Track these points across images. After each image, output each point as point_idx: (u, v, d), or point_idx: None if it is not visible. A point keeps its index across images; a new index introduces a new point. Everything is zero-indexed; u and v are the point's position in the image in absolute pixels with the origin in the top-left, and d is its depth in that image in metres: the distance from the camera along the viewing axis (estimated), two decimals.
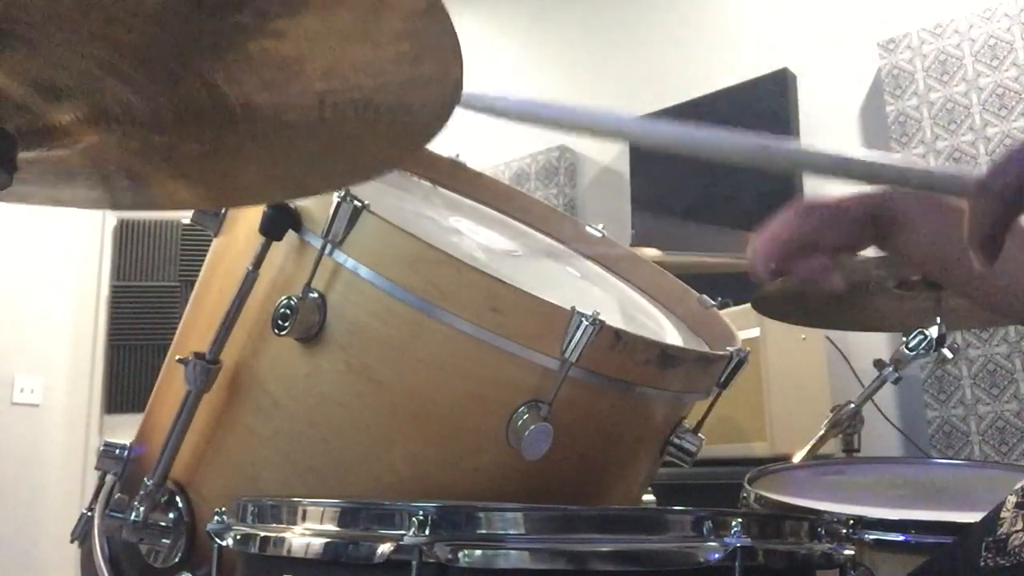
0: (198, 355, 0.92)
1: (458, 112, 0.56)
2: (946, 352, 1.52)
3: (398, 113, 0.57)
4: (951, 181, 0.61)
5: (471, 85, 0.55)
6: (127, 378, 3.73)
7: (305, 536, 0.72)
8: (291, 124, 0.57)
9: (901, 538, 1.02)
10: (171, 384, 1.04)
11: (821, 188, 2.88)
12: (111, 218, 3.83)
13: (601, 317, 0.83)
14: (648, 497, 1.23)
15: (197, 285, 1.11)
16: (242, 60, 0.50)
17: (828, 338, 2.42)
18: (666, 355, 0.94)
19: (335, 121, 0.56)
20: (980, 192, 0.53)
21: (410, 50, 0.51)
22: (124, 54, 0.49)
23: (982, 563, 0.66)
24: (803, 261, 0.83)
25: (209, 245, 1.10)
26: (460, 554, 0.64)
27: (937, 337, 1.50)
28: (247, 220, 0.98)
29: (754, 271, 0.84)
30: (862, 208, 0.83)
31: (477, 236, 1.19)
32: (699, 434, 1.08)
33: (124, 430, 1.15)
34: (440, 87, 0.55)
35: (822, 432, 1.58)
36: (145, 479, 0.95)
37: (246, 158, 0.63)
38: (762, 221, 0.85)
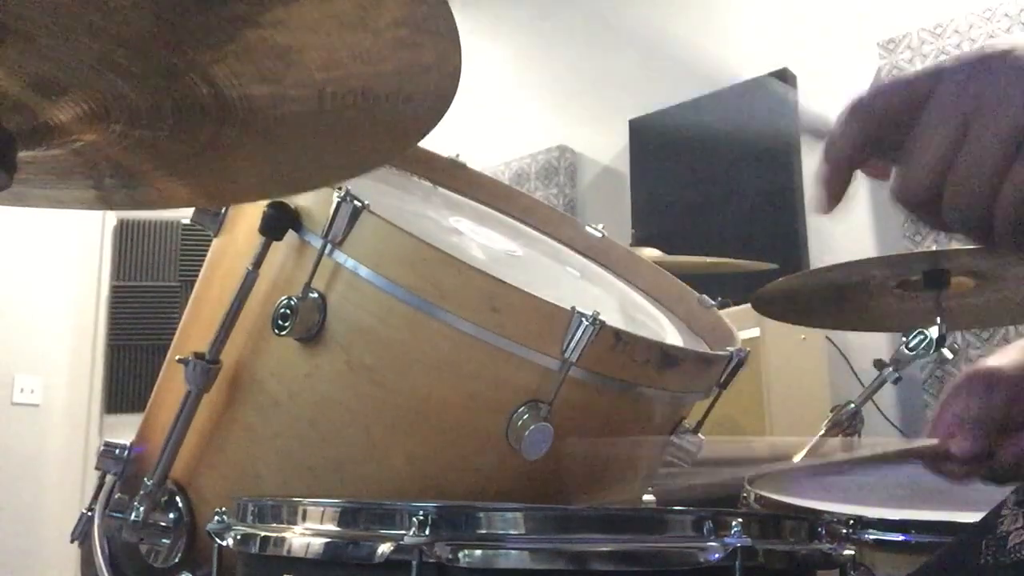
0: (198, 355, 0.92)
1: (456, 108, 0.56)
2: (946, 352, 1.52)
3: (397, 102, 0.57)
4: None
5: (471, 84, 0.55)
6: (127, 378, 3.73)
7: (305, 536, 0.71)
8: (290, 117, 0.57)
9: (901, 538, 1.02)
10: (171, 384, 1.04)
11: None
12: (111, 218, 3.83)
13: (601, 317, 0.83)
14: (648, 497, 1.23)
15: (197, 285, 1.11)
16: (240, 50, 0.50)
17: (828, 338, 2.42)
18: (666, 355, 0.93)
19: (334, 112, 0.56)
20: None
21: (408, 36, 0.50)
22: (122, 47, 0.49)
23: (982, 560, 0.66)
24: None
25: (209, 245, 1.10)
26: (460, 554, 0.64)
27: (937, 337, 1.50)
28: (247, 220, 0.98)
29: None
30: None
31: (477, 236, 1.19)
32: (699, 434, 1.07)
33: (124, 430, 1.15)
34: (439, 75, 0.55)
35: (822, 432, 1.58)
36: (145, 479, 0.95)
37: (245, 154, 0.63)
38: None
